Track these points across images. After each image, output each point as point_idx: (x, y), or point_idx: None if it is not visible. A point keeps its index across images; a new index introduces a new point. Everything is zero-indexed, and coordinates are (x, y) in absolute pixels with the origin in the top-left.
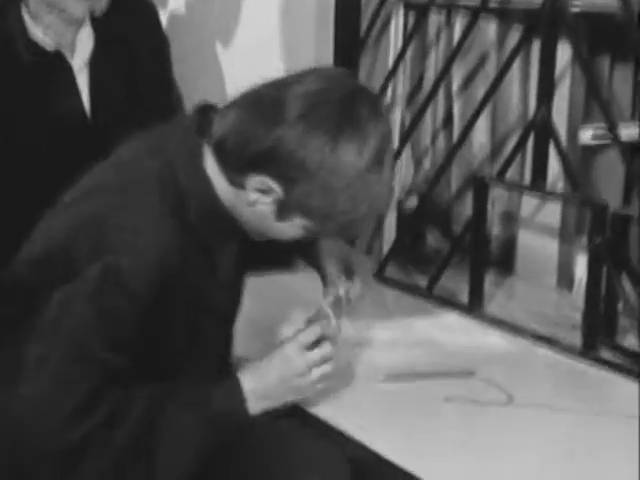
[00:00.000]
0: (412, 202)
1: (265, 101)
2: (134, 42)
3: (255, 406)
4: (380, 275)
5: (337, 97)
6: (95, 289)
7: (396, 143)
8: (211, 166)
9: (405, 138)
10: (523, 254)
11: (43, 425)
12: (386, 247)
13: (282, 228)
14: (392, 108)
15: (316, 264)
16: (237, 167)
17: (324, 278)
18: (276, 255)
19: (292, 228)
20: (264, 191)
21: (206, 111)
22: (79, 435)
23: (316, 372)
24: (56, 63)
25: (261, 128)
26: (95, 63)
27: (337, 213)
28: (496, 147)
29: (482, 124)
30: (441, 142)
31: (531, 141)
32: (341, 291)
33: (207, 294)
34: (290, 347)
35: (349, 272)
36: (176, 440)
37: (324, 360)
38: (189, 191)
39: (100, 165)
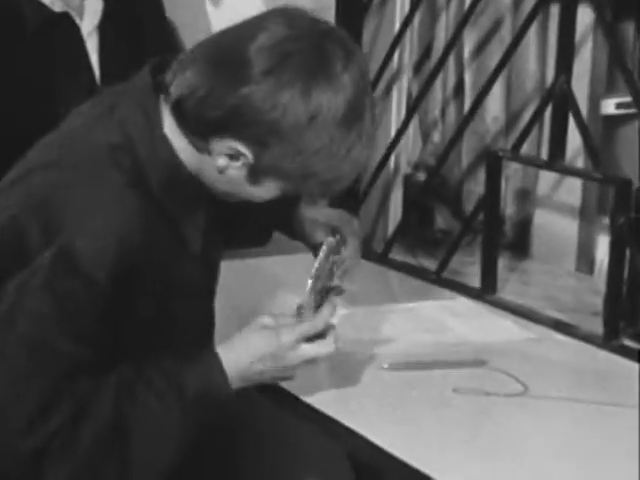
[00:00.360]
0: (420, 178)
1: (227, 56)
2: (141, 4)
3: (235, 382)
4: (385, 257)
5: (305, 46)
6: (49, 276)
7: (403, 115)
8: (171, 128)
9: (412, 109)
10: (539, 235)
11: (0, 428)
12: (391, 227)
13: (257, 192)
14: (398, 77)
15: (301, 235)
16: (200, 131)
17: (314, 249)
18: (251, 230)
19: (268, 190)
20: (233, 156)
21: (162, 67)
22: (41, 438)
23: (302, 350)
24: (63, 27)
25: (224, 87)
26: (104, 27)
27: (315, 173)
28: (511, 119)
29: (496, 94)
30: (451, 114)
31: (549, 112)
32: (333, 257)
33: (177, 270)
34: (269, 320)
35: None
36: (151, 432)
37: (310, 338)
38: (148, 158)
39: (44, 138)
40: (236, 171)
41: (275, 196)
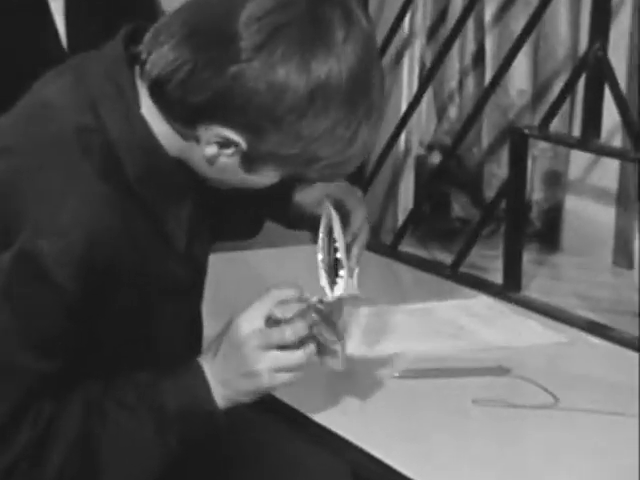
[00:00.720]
0: (434, 160)
1: (210, 28)
2: None
3: (220, 396)
4: (394, 250)
5: (299, 13)
6: (8, 281)
7: (415, 87)
8: (150, 110)
9: (426, 81)
10: (571, 224)
11: None
12: (402, 216)
13: (254, 179)
14: (410, 44)
15: (299, 220)
16: (184, 118)
17: (316, 231)
18: (241, 220)
19: (266, 177)
20: (223, 144)
21: (137, 37)
22: (3, 464)
23: (270, 356)
24: None
25: (208, 67)
26: None
27: (319, 158)
28: (538, 91)
29: (521, 63)
30: (470, 86)
31: (582, 84)
32: (340, 243)
33: (159, 270)
34: (245, 320)
35: (345, 220)
36: (124, 450)
37: (286, 343)
38: (123, 141)
39: (1, 117)
40: (228, 159)
41: (274, 182)
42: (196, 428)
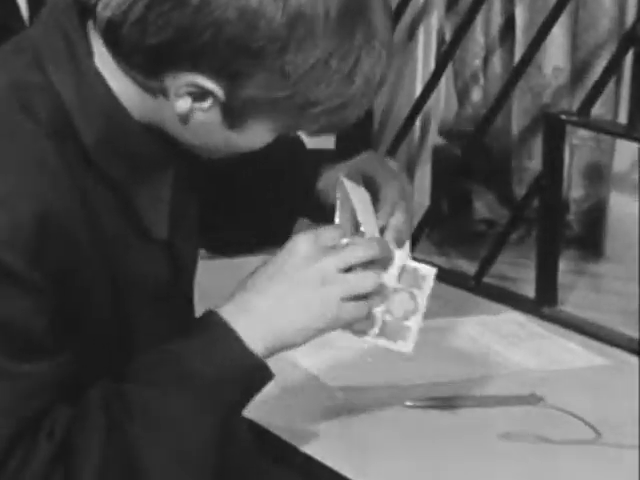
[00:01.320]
0: (454, 151)
1: None
2: None
3: (258, 341)
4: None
5: None
6: None
7: (432, 65)
8: (107, 66)
9: (445, 58)
10: (615, 228)
11: None
12: (416, 216)
13: (241, 139)
14: (426, 14)
15: (325, 208)
16: (145, 66)
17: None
18: (249, 222)
19: (256, 134)
20: (197, 96)
21: None
22: None
23: (341, 278)
24: None
25: None
26: None
27: (313, 101)
28: (578, 71)
29: (557, 38)
30: (496, 64)
31: (629, 63)
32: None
33: (131, 263)
34: (304, 240)
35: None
36: (164, 437)
37: (362, 264)
38: (76, 101)
39: None
40: (206, 115)
41: (268, 141)
42: (239, 389)
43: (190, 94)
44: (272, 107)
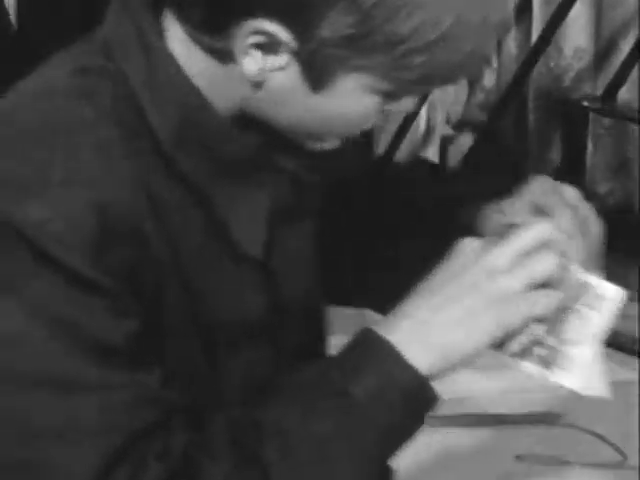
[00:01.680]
0: (464, 142)
1: None
2: None
3: (424, 358)
4: None
5: None
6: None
7: None
8: (177, 38)
9: None
10: None
11: None
12: None
13: (332, 103)
14: None
15: None
16: (207, 20)
17: None
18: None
19: (347, 96)
20: (265, 47)
21: None
22: None
23: (527, 263)
24: None
25: None
26: None
27: (397, 41)
28: (602, 52)
29: (579, 16)
30: (511, 45)
31: None
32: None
33: (219, 288)
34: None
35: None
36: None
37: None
38: (145, 85)
39: None
40: (281, 75)
41: (367, 106)
42: (400, 413)
43: (257, 46)
44: (353, 52)
